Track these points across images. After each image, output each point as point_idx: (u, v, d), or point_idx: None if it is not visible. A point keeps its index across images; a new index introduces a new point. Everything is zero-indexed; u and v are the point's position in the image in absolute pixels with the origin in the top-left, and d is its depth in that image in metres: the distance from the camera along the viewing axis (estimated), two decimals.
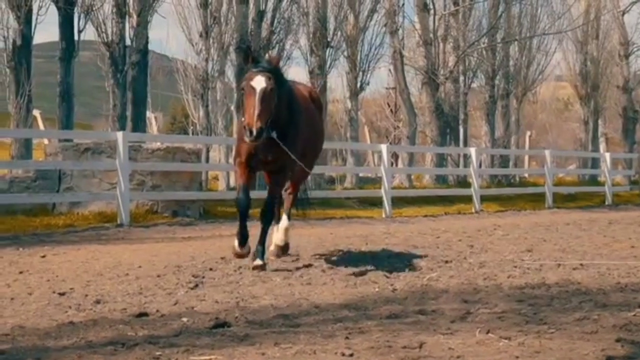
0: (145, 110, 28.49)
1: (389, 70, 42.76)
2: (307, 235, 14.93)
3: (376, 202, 24.07)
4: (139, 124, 27.03)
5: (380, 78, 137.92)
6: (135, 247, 13.54)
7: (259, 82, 9.59)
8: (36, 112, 26.52)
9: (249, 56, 10.03)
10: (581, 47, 44.67)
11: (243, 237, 10.22)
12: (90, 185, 18.38)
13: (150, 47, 28.62)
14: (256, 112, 9.38)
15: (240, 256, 10.36)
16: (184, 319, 6.71)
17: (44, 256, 12.12)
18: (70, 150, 18.47)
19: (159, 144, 20.20)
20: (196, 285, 8.85)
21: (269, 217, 10.54)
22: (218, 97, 30.93)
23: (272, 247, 11.15)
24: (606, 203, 31.57)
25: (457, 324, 6.37)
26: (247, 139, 9.45)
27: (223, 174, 28.25)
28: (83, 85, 60.83)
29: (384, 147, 24.37)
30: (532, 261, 10.99)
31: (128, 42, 26.92)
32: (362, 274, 9.68)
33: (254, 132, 9.31)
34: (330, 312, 7.04)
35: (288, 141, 10.11)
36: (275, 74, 9.86)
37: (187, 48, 31.80)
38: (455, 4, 36.44)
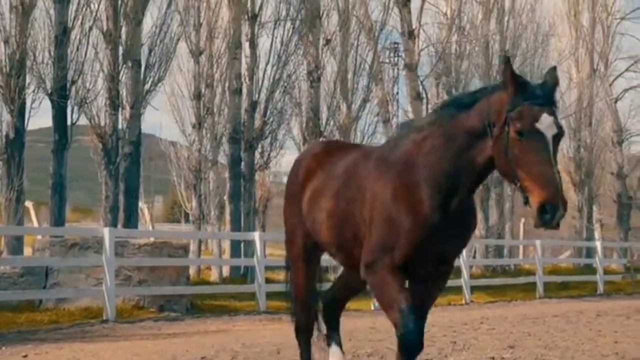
0: (137, 202, 28.54)
1: None
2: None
3: (367, 293, 23.95)
4: (132, 215, 27.08)
5: None
6: (118, 345, 13.51)
7: (550, 126, 5.73)
8: (28, 204, 26.52)
9: (515, 78, 5.84)
10: (574, 134, 44.86)
11: None
12: (77, 281, 18.41)
13: (146, 131, 28.81)
14: (557, 176, 5.60)
15: None
16: None
17: (25, 356, 12.09)
18: (58, 246, 18.53)
19: (152, 239, 20.32)
20: None
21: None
22: (211, 187, 31.12)
23: None
24: (598, 292, 31.53)
25: None
26: (541, 224, 5.59)
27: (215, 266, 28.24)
28: (84, 169, 60.60)
29: None
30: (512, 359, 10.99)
31: (121, 130, 27.03)
32: None
33: (559, 211, 5.54)
34: None
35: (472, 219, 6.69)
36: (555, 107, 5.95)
37: (179, 139, 32.17)
38: (448, 93, 36.74)
